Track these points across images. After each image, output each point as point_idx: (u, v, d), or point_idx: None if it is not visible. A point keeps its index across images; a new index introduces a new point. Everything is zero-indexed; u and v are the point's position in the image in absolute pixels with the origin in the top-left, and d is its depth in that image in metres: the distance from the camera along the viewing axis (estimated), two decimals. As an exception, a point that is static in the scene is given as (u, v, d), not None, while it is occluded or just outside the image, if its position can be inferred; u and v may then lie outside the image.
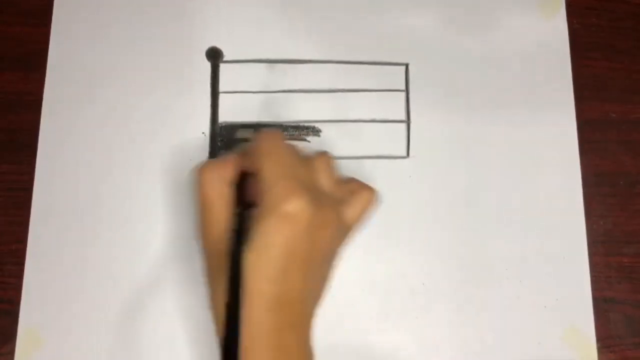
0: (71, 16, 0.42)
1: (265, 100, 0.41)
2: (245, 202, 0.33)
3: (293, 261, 0.29)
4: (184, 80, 0.41)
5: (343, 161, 0.40)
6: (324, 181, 0.33)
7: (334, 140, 0.40)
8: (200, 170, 0.33)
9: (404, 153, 0.40)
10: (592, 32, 0.43)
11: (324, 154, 0.34)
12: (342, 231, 0.33)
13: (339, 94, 0.41)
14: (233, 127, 0.40)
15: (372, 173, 0.40)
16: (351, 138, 0.41)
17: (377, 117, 0.41)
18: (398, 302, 0.38)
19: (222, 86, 0.41)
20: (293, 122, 0.41)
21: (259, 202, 0.30)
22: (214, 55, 0.41)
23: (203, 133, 0.40)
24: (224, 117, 0.40)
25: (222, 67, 0.41)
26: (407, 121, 0.41)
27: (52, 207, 0.39)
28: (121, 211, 0.39)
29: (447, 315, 0.38)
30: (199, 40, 0.42)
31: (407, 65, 0.42)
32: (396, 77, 0.42)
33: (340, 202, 0.33)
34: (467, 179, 0.40)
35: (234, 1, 0.42)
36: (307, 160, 0.33)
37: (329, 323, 0.38)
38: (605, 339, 0.38)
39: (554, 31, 0.43)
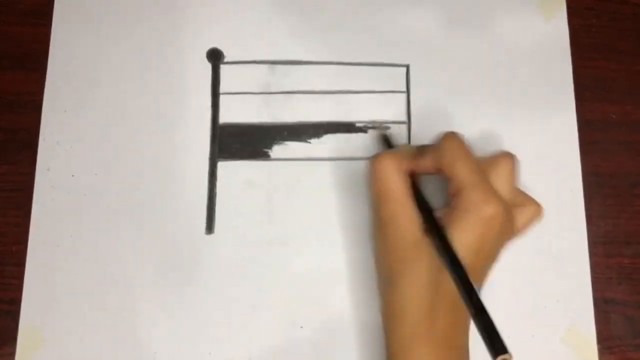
0: (71, 16, 0.42)
1: (266, 101, 0.41)
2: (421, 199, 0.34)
3: (478, 260, 0.31)
4: (185, 81, 0.41)
5: (344, 162, 0.40)
6: (502, 185, 0.33)
7: (335, 141, 0.40)
8: (382, 162, 0.34)
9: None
10: (592, 33, 0.43)
11: (509, 157, 0.34)
12: (512, 237, 0.34)
13: (340, 95, 0.41)
14: (235, 128, 0.40)
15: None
16: (352, 139, 0.40)
17: (378, 119, 0.41)
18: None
19: (223, 87, 0.41)
20: (293, 123, 0.41)
21: (451, 201, 0.32)
22: (215, 56, 0.41)
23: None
24: (224, 118, 0.40)
25: (223, 68, 0.41)
26: (408, 122, 0.41)
27: (52, 208, 0.39)
28: (121, 211, 0.39)
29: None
30: (200, 42, 0.41)
31: (407, 67, 0.42)
32: (397, 78, 0.41)
33: (514, 210, 0.34)
34: (468, 180, 0.40)
35: (235, 2, 0.42)
36: (490, 163, 0.34)
37: (329, 321, 0.38)
38: (605, 340, 0.38)
39: (554, 31, 0.43)
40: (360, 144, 0.40)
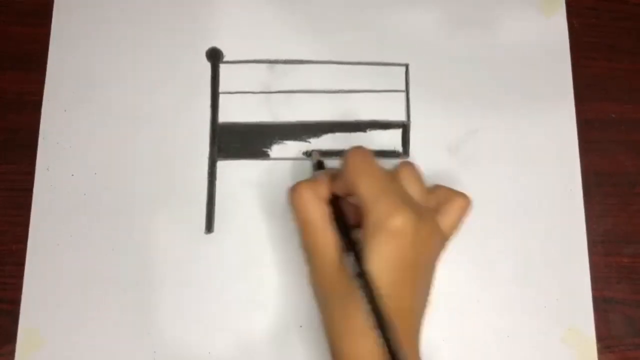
0: (71, 16, 0.42)
1: (266, 100, 0.41)
2: (341, 223, 0.33)
3: (402, 274, 0.30)
4: (184, 81, 0.41)
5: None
6: (415, 192, 0.33)
7: (334, 141, 0.40)
8: (298, 192, 0.33)
9: (404, 153, 0.40)
10: (592, 32, 0.43)
11: (407, 165, 0.34)
12: (441, 240, 0.33)
13: (339, 94, 0.41)
14: (235, 127, 0.40)
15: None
16: (351, 138, 0.40)
17: (377, 118, 0.41)
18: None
19: (222, 86, 0.41)
20: (293, 123, 0.41)
21: (361, 220, 0.31)
22: (214, 56, 0.41)
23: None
24: (224, 117, 0.40)
25: (222, 68, 0.41)
26: (407, 121, 0.41)
27: (52, 207, 0.39)
28: (121, 211, 0.39)
29: (447, 315, 0.38)
30: (199, 41, 0.42)
31: (407, 66, 0.42)
32: (396, 77, 0.42)
33: (436, 212, 0.33)
34: (467, 179, 0.40)
35: (235, 2, 0.42)
36: (394, 174, 0.33)
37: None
38: (605, 339, 0.38)
39: (554, 31, 0.43)
40: (360, 143, 0.40)
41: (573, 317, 0.38)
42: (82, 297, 0.38)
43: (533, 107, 0.41)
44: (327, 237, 0.32)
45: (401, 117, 0.41)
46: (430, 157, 0.40)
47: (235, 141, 0.40)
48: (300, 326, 0.38)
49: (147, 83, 0.41)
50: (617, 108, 0.42)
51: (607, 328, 0.38)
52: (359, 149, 0.33)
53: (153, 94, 0.41)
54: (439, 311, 0.38)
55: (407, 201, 0.31)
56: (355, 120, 0.41)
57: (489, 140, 0.41)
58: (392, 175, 0.33)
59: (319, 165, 0.38)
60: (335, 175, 0.34)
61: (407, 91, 0.41)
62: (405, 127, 0.41)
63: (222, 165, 0.40)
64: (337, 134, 0.40)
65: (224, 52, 0.41)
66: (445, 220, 0.33)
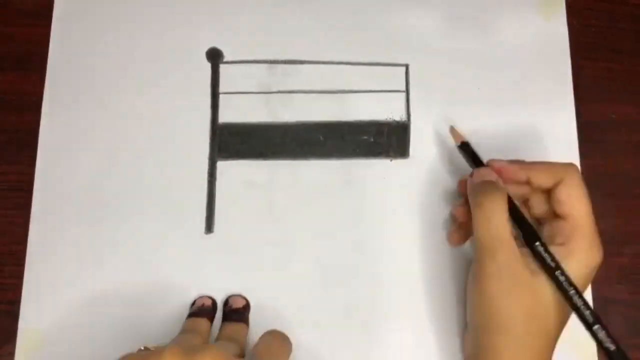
0: (71, 16, 0.42)
1: (266, 100, 0.41)
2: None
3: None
4: (184, 81, 0.41)
5: (342, 162, 0.40)
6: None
7: (334, 141, 0.40)
8: (490, 205, 0.33)
9: (404, 153, 0.40)
10: (592, 33, 0.43)
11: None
12: None
13: (339, 94, 0.41)
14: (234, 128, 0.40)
15: (371, 173, 0.40)
16: (351, 138, 0.40)
17: (378, 118, 0.41)
18: (397, 302, 0.38)
19: (223, 87, 0.41)
20: (293, 123, 0.41)
21: (566, 240, 0.33)
22: (214, 56, 0.41)
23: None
24: (224, 117, 0.40)
25: (222, 68, 0.41)
26: (407, 122, 0.41)
27: (52, 208, 0.39)
28: (121, 211, 0.39)
29: (447, 315, 0.38)
30: (199, 41, 0.42)
31: (407, 66, 0.42)
32: (396, 77, 0.42)
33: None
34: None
35: (235, 2, 0.42)
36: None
37: (326, 324, 0.38)
38: (605, 339, 0.38)
39: (554, 31, 0.43)
40: (360, 142, 0.40)
41: (573, 318, 0.38)
42: (82, 297, 0.38)
43: (533, 107, 0.41)
44: (517, 254, 0.32)
45: (401, 117, 0.41)
46: (430, 157, 0.40)
47: (235, 141, 0.40)
48: (301, 326, 0.38)
49: (147, 83, 0.41)
50: (617, 108, 0.42)
51: (607, 328, 0.38)
52: (575, 167, 0.34)
53: (153, 94, 0.41)
54: (438, 311, 0.38)
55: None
56: (355, 120, 0.41)
57: (489, 140, 0.41)
58: None
59: (466, 149, 0.37)
60: (529, 166, 0.35)
61: (407, 91, 0.41)
62: (405, 127, 0.41)
63: (222, 165, 0.40)
64: (337, 134, 0.40)
65: (224, 52, 0.41)
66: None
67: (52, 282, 0.38)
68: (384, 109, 0.41)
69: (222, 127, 0.40)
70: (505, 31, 0.43)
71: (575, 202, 0.33)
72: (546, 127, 0.41)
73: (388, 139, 0.40)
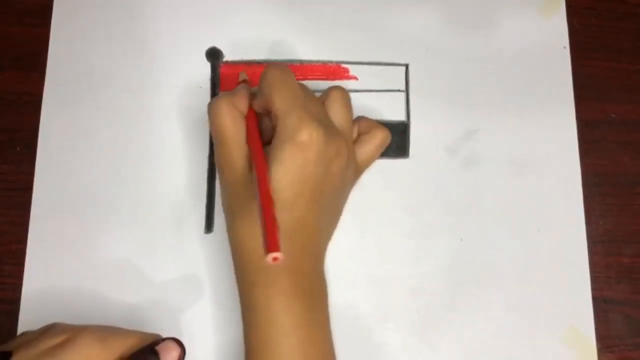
0: (71, 16, 0.42)
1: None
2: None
3: (306, 188, 0.31)
4: (184, 81, 0.41)
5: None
6: (337, 116, 0.33)
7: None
8: (217, 104, 0.33)
9: (404, 153, 0.40)
10: (592, 32, 0.43)
11: (337, 89, 0.34)
12: (353, 168, 0.34)
13: (339, 94, 0.41)
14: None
15: (371, 173, 0.40)
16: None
17: (377, 118, 0.41)
18: (398, 302, 0.38)
19: (223, 86, 0.41)
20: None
21: (273, 134, 0.31)
22: (214, 56, 0.41)
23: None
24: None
25: (223, 68, 0.41)
26: (407, 121, 0.41)
27: (52, 207, 0.39)
28: (121, 211, 0.39)
29: (447, 315, 0.38)
30: (199, 40, 0.42)
31: (407, 66, 0.42)
32: (396, 77, 0.42)
33: (351, 139, 0.34)
34: (467, 179, 0.40)
35: (234, 2, 0.42)
36: (321, 96, 0.34)
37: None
38: (605, 339, 0.38)
39: (554, 31, 0.43)
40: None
41: (573, 317, 0.38)
42: (82, 297, 0.38)
43: (533, 107, 0.41)
44: (238, 151, 0.33)
45: (401, 117, 0.41)
46: (430, 157, 0.40)
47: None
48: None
49: (147, 83, 0.41)
50: (617, 108, 0.42)
51: (607, 328, 0.38)
52: (279, 64, 0.33)
53: (153, 93, 0.41)
54: (438, 311, 0.38)
55: (319, 118, 0.31)
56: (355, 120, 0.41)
57: (489, 140, 0.41)
58: (317, 98, 0.34)
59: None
60: (255, 93, 0.34)
61: (407, 91, 0.41)
62: (405, 127, 0.41)
63: (222, 165, 0.40)
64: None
65: (224, 51, 0.41)
66: (361, 149, 0.34)
67: (52, 282, 0.38)
68: (383, 109, 0.41)
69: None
70: (505, 31, 0.43)
71: (271, 96, 0.32)
72: (546, 126, 0.41)
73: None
